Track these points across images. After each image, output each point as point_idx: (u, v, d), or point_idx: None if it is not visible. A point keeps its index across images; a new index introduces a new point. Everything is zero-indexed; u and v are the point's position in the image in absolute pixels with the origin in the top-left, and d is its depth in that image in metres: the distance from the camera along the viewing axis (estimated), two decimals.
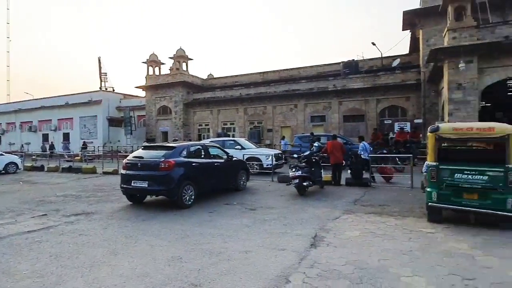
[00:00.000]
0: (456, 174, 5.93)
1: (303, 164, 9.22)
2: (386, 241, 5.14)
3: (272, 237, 5.36)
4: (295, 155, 11.66)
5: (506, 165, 5.57)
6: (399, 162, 13.00)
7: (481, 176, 5.72)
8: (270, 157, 12.90)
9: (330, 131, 20.60)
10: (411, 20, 19.32)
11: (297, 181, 8.78)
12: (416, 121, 18.03)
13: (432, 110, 18.29)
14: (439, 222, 6.04)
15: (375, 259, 4.38)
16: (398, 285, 3.67)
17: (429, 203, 6.12)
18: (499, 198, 5.55)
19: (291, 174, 8.95)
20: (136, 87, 29.17)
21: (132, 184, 7.52)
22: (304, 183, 8.80)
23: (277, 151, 14.61)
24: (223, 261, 4.35)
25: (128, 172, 7.67)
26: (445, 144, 7.25)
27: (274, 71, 27.33)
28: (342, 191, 9.54)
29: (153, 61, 27.56)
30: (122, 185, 7.85)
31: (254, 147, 15.04)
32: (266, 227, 5.94)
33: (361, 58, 24.61)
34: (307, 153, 9.82)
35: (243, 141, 15.10)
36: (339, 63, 24.32)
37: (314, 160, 9.59)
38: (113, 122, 30.96)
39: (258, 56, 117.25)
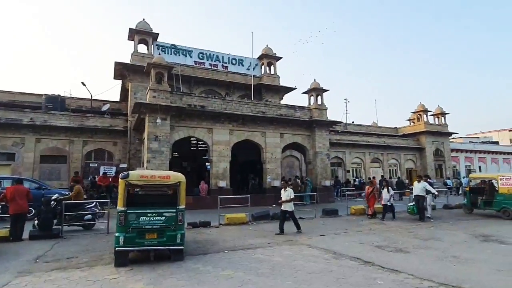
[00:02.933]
0: (141, 217, 6.60)
1: None
2: None
3: None
4: None
5: (177, 207, 6.94)
6: (99, 207, 12.65)
7: (160, 217, 6.73)
8: None
9: (20, 173, 16.84)
10: (122, 71, 20.88)
11: None
12: (121, 165, 18.79)
13: (136, 156, 19.99)
14: (125, 265, 6.33)
15: None
16: None
17: (117, 248, 6.32)
18: (172, 235, 6.74)
19: None
20: None
21: None
22: None
23: None
24: None
25: None
26: (137, 190, 7.97)
27: None
28: (22, 248, 7.77)
29: None
30: None
31: None
32: None
33: (69, 95, 22.92)
34: None
35: None
36: (41, 95, 21.16)
37: None
38: None
39: None
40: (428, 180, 15.80)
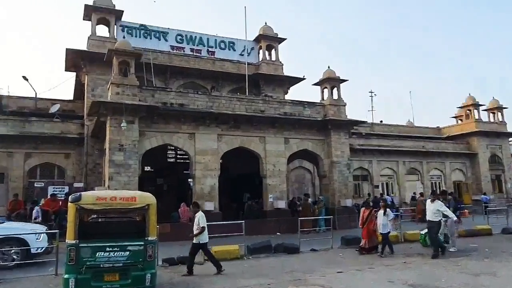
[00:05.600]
0: (98, 253, 6.64)
1: None
2: None
3: None
4: None
5: (146, 238, 6.97)
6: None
7: (123, 253, 6.76)
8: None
9: None
10: (76, 61, 21.11)
11: None
12: (76, 184, 18.82)
13: (96, 172, 20.07)
14: None
15: None
16: None
17: None
18: (139, 276, 6.76)
19: None
20: None
21: None
22: None
23: None
24: None
25: None
26: (94, 216, 8.02)
27: None
28: None
29: None
30: None
31: None
32: None
33: (6, 94, 23.14)
34: None
35: None
36: None
37: None
38: None
39: None
40: (450, 198, 15.33)
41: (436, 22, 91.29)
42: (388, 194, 27.03)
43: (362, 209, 12.88)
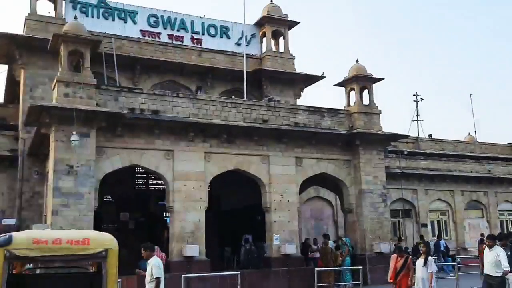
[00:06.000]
0: None
1: None
2: None
3: None
4: None
5: None
6: None
7: None
8: None
9: None
10: (8, 50, 21.21)
11: None
12: (6, 221, 18.79)
13: (33, 204, 19.95)
14: None
15: None
16: None
17: None
18: None
19: None
20: None
21: None
22: None
23: None
24: None
25: None
26: (29, 267, 7.99)
27: None
28: None
29: None
30: None
31: None
32: None
33: None
34: None
35: None
36: None
37: None
38: None
39: None
40: None
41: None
42: (439, 237, 26.84)
43: (393, 256, 12.78)
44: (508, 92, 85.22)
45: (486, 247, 11.54)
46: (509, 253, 11.61)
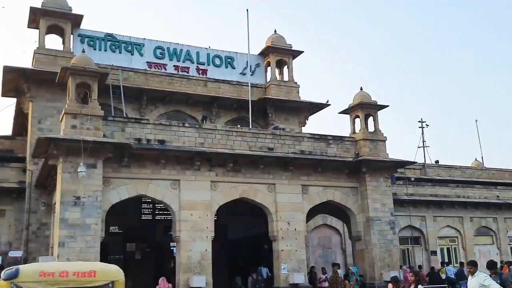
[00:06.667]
0: None
1: None
2: None
3: None
4: None
5: None
6: None
7: None
8: None
9: None
10: (16, 83, 21.45)
11: None
12: (12, 253, 18.75)
13: (41, 236, 19.93)
14: None
15: None
16: None
17: None
18: None
19: None
20: None
21: None
22: None
23: None
24: None
25: None
26: None
27: None
28: None
29: None
30: None
31: None
32: None
33: None
34: None
35: None
36: None
37: None
38: None
39: None
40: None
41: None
42: (449, 264, 26.42)
43: (389, 285, 12.56)
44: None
45: (470, 273, 11.22)
46: (498, 281, 11.36)
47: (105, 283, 7.09)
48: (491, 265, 13.00)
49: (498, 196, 29.59)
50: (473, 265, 11.26)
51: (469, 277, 11.09)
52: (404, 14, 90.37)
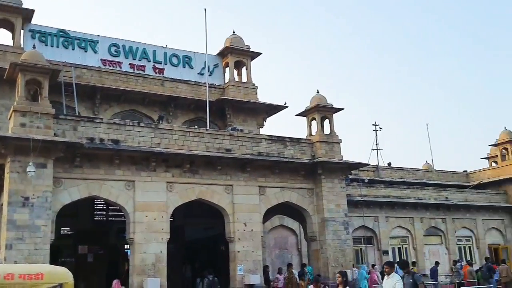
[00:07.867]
0: None
1: None
2: None
3: None
4: None
5: None
6: None
7: None
8: None
9: None
10: None
11: None
12: None
13: None
14: None
15: None
16: None
17: None
18: None
19: None
20: None
21: None
22: None
23: None
24: None
25: None
26: None
27: None
28: None
29: None
30: None
31: None
32: None
33: None
34: None
35: None
36: None
37: None
38: None
39: None
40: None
41: (463, 36, 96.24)
42: (437, 263, 26.59)
43: (310, 287, 12.56)
44: (462, 121, 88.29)
45: (386, 273, 11.36)
46: (410, 280, 11.60)
47: (53, 285, 6.89)
48: (403, 265, 13.29)
49: (446, 198, 30.41)
50: (389, 265, 11.43)
51: (385, 277, 11.28)
52: (361, 18, 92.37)
